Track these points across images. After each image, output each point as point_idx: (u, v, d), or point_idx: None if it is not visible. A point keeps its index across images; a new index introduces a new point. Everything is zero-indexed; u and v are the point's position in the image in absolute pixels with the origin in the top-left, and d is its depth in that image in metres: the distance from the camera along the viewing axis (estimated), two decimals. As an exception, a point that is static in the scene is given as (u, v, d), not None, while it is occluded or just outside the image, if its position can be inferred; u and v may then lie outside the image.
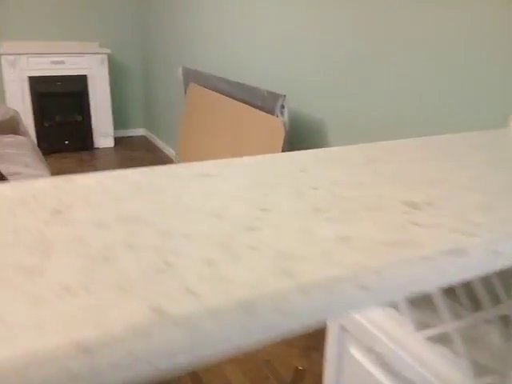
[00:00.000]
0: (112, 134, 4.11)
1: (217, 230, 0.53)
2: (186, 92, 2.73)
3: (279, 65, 2.08)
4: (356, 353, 0.86)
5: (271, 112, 1.83)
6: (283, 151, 1.72)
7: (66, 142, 3.85)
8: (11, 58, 3.55)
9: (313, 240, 0.51)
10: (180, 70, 2.81)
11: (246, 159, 0.81)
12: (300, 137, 2.00)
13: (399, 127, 1.53)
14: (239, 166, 0.77)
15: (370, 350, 0.87)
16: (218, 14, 2.67)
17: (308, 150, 0.87)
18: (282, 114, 1.78)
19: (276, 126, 1.72)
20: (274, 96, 1.81)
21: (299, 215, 0.58)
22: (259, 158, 0.82)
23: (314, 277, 0.44)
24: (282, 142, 1.69)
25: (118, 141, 4.22)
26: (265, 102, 1.86)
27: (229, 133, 2.07)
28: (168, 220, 0.55)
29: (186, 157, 2.58)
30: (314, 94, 1.87)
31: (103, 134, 4.06)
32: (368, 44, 1.59)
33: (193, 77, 2.58)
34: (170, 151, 3.85)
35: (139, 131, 4.44)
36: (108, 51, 3.80)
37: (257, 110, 1.85)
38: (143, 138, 4.39)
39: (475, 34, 1.25)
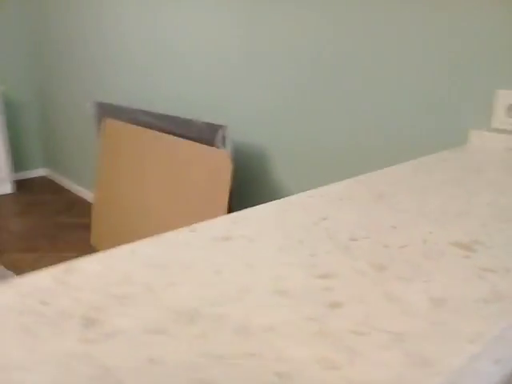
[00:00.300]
0: (10, 178, 3.70)
1: (295, 313, 0.45)
2: (100, 128, 2.54)
3: (215, 93, 2.00)
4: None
5: (211, 145, 1.75)
6: (231, 185, 1.65)
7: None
8: None
9: (410, 310, 0.45)
10: (90, 105, 2.61)
11: (252, 211, 0.73)
12: (243, 169, 1.94)
13: (351, 153, 1.53)
14: (253, 222, 0.68)
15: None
16: (133, 39, 2.53)
17: (308, 192, 0.81)
18: (224, 145, 1.71)
19: (220, 158, 1.64)
20: (213, 127, 1.74)
21: (368, 278, 0.52)
22: (265, 208, 0.75)
23: (452, 362, 0.38)
24: (229, 175, 1.62)
25: (19, 185, 3.81)
26: (202, 134, 1.78)
27: (163, 169, 1.95)
28: (230, 308, 0.46)
29: (111, 197, 2.39)
30: (257, 123, 1.83)
31: (-1, 180, 3.65)
32: (314, 67, 1.59)
33: (108, 111, 2.41)
34: (80, 191, 3.57)
35: (41, 171, 4.06)
36: (0, 88, 3.43)
37: (195, 143, 1.76)
38: (46, 179, 4.02)
39: (426, 52, 1.29)
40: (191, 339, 0.41)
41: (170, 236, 0.63)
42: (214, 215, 1.64)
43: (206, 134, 1.75)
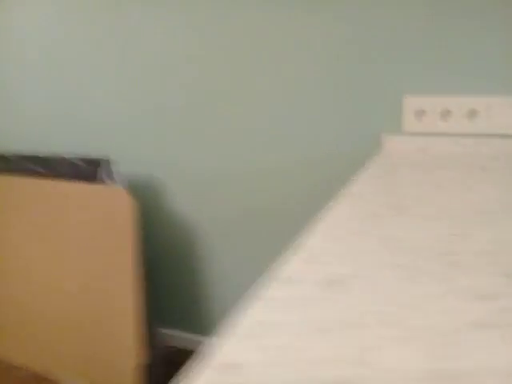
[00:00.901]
0: None
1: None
2: None
3: (90, 123, 1.72)
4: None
5: (91, 182, 1.50)
6: (137, 225, 1.45)
7: None
8: None
9: None
10: None
11: (309, 245, 0.66)
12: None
13: (255, 174, 1.49)
14: (331, 256, 0.62)
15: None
16: None
17: (331, 216, 0.77)
18: (112, 182, 1.49)
19: (115, 196, 1.42)
20: (93, 162, 1.50)
21: (516, 286, 0.52)
22: (315, 239, 0.68)
23: None
24: (131, 214, 1.41)
25: None
26: (79, 172, 1.51)
27: (29, 220, 1.60)
28: (478, 359, 0.40)
29: None
30: (145, 153, 1.63)
31: None
32: (203, 85, 1.50)
33: None
34: None
35: None
36: None
37: (74, 183, 1.48)
38: None
39: (332, 61, 1.34)
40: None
41: (271, 294, 0.52)
42: (119, 264, 1.42)
43: (84, 172, 1.51)
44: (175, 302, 1.82)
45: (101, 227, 1.44)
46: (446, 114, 1.19)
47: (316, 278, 0.56)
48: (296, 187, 1.45)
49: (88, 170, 1.50)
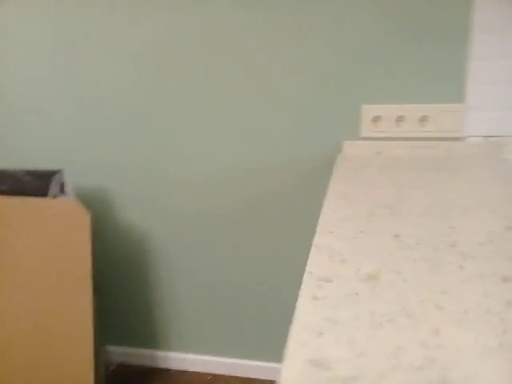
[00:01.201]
0: None
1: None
2: None
3: (33, 135, 1.58)
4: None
5: (43, 196, 1.40)
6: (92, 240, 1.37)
7: None
8: None
9: None
10: None
11: (332, 246, 0.68)
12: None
13: (211, 181, 1.49)
14: (357, 255, 0.65)
15: None
16: None
17: (337, 217, 0.81)
18: (63, 194, 1.40)
19: (67, 209, 1.34)
20: (43, 174, 1.39)
21: (526, 270, 0.58)
22: (341, 240, 0.71)
23: None
24: (85, 226, 1.34)
25: None
26: (27, 185, 1.40)
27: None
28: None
29: None
30: (91, 163, 1.55)
31: None
32: (158, 89, 1.47)
33: None
34: None
35: None
36: None
37: (26, 199, 1.36)
38: None
39: (296, 74, 1.38)
40: None
41: (321, 293, 0.54)
42: (74, 280, 1.34)
43: (31, 185, 1.41)
44: (122, 317, 1.76)
45: (55, 242, 1.35)
46: (399, 120, 1.29)
47: (351, 275, 0.58)
48: (257, 194, 1.48)
49: (38, 184, 1.40)
